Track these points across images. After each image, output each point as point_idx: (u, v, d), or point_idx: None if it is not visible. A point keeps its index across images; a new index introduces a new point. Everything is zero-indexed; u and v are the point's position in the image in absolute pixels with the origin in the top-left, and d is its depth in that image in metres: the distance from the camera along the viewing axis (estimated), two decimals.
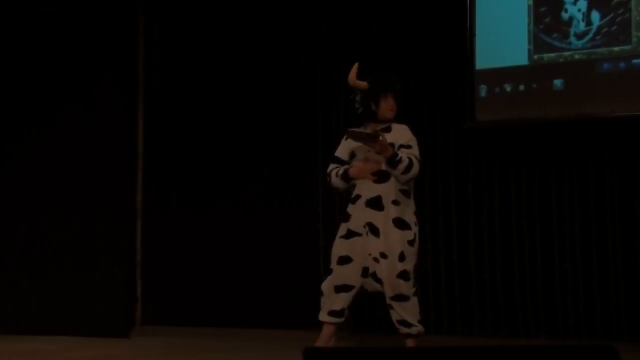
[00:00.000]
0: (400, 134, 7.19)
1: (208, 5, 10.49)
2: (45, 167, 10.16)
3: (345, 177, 7.25)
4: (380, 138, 6.99)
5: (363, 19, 9.77)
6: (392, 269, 7.02)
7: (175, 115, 10.58)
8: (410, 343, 7.14)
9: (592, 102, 8.86)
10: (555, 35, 8.98)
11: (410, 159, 7.09)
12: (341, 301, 7.15)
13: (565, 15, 8.94)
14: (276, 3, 10.18)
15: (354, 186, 7.24)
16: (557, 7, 8.96)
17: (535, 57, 9.07)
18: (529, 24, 9.07)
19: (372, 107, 7.23)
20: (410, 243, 7.10)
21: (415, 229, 7.18)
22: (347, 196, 7.40)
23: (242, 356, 8.25)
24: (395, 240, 7.04)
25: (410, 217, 7.17)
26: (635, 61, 8.69)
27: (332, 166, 7.39)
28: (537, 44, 9.05)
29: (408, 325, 7.10)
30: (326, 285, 7.20)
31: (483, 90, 9.27)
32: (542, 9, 9.02)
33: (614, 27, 8.74)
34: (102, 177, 9.93)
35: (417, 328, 7.13)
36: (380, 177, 7.12)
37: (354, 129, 7.15)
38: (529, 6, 9.07)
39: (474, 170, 9.38)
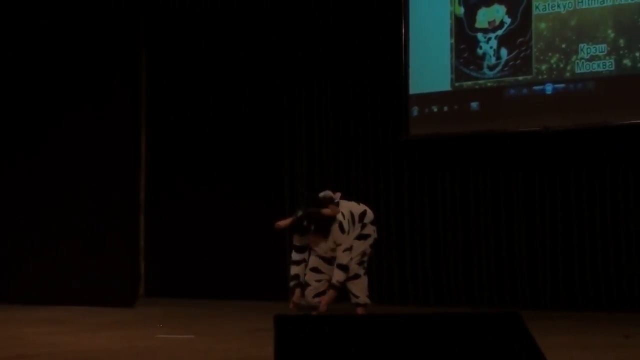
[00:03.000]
0: (338, 237, 7.39)
1: (200, 27, 10.50)
2: (66, 166, 10.10)
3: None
4: (324, 308, 7.36)
5: (324, 54, 9.82)
6: (353, 262, 7.30)
7: (171, 131, 10.60)
8: (359, 311, 7.22)
9: (501, 120, 8.93)
10: (472, 67, 9.05)
11: (334, 285, 7.39)
12: (321, 287, 7.40)
13: (480, 52, 9.01)
14: (251, 39, 10.21)
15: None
16: (474, 45, 9.03)
17: (456, 84, 9.13)
18: (451, 58, 9.14)
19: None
20: (371, 246, 7.53)
21: (374, 234, 7.58)
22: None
23: (225, 320, 8.24)
24: (359, 248, 7.41)
25: (368, 230, 7.50)
26: (535, 87, 8.77)
27: (295, 256, 7.68)
28: (457, 74, 9.12)
29: (357, 297, 7.23)
30: (308, 293, 7.57)
31: (415, 110, 9.32)
32: (462, 46, 9.10)
33: (519, 61, 8.82)
34: (114, 179, 9.88)
35: (364, 300, 7.24)
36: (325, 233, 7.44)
37: (302, 305, 7.53)
38: (451, 44, 9.13)
39: (409, 174, 9.44)
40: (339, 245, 7.32)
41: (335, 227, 7.34)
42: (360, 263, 7.32)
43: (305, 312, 7.44)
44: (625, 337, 6.64)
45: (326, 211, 7.43)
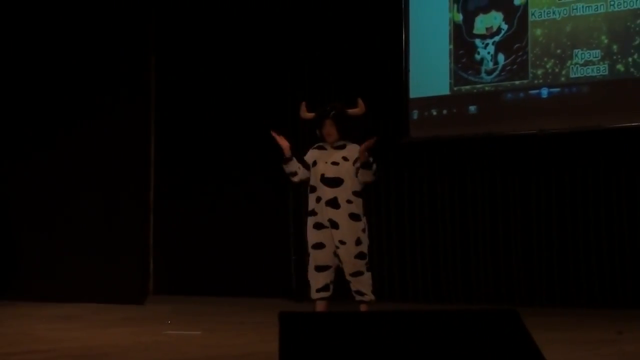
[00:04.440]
0: (353, 151, 7.01)
1: (207, 32, 10.50)
2: (78, 167, 10.10)
3: (283, 159, 7.16)
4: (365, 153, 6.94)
5: (327, 59, 9.82)
6: (350, 252, 6.95)
7: (179, 133, 10.61)
8: (363, 308, 7.11)
9: (498, 123, 8.93)
10: (470, 72, 9.05)
11: (374, 165, 6.98)
12: (322, 278, 6.99)
13: (477, 57, 9.01)
14: (256, 45, 10.21)
15: (315, 190, 7.16)
16: (472, 51, 9.03)
17: (455, 88, 9.13)
18: (450, 63, 9.13)
19: (317, 134, 7.13)
20: (363, 230, 7.02)
21: (364, 219, 7.13)
22: (311, 198, 7.26)
23: (231, 317, 8.23)
24: (351, 230, 6.95)
25: (360, 211, 7.04)
26: (531, 92, 8.77)
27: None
28: (456, 79, 9.12)
29: (362, 294, 7.06)
30: (309, 268, 7.09)
31: (415, 114, 9.32)
32: (460, 51, 9.09)
33: (515, 66, 8.82)
34: (124, 180, 9.89)
35: (369, 296, 7.05)
36: (336, 182, 7.05)
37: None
38: (450, 50, 9.13)
39: (409, 175, 9.44)
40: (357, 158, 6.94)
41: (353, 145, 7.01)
42: (359, 256, 7.05)
43: None
44: (618, 333, 6.63)
45: (353, 110, 7.09)
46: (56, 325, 7.72)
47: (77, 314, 8.60)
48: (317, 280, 7.05)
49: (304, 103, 7.27)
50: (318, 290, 7.05)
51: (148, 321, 8.00)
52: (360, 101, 7.14)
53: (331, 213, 6.96)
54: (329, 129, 7.05)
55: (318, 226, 7.03)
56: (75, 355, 6.01)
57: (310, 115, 7.18)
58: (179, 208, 10.52)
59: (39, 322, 7.94)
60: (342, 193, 6.99)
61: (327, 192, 7.00)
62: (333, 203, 6.97)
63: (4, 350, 6.11)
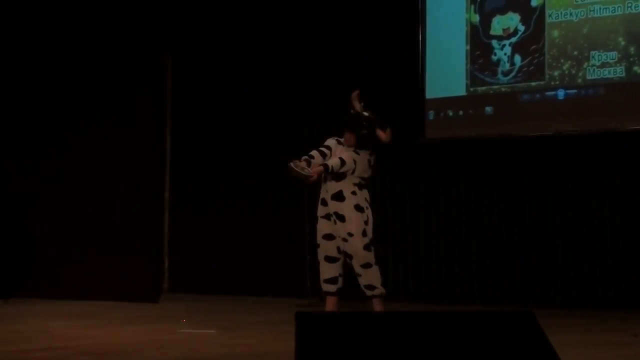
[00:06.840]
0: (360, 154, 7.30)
1: (223, 32, 10.50)
2: (95, 166, 10.13)
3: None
4: (312, 178, 7.16)
5: (344, 60, 9.81)
6: (359, 243, 7.06)
7: (194, 132, 10.62)
8: (375, 303, 7.14)
9: (514, 124, 8.91)
10: (486, 73, 9.02)
11: (326, 165, 7.16)
12: (331, 270, 7.13)
13: (494, 58, 8.99)
14: (272, 44, 10.21)
15: (326, 180, 7.28)
16: (488, 52, 9.01)
17: (472, 89, 9.11)
18: (466, 64, 9.11)
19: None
20: (366, 222, 7.16)
21: (367, 211, 7.23)
22: (323, 188, 7.39)
23: (246, 316, 8.23)
24: (358, 222, 7.10)
25: (364, 203, 7.22)
26: (547, 93, 8.75)
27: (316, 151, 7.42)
28: (472, 80, 9.10)
29: (373, 288, 7.12)
30: (319, 256, 7.26)
31: (431, 114, 9.31)
32: (477, 52, 9.07)
33: (532, 67, 8.79)
34: (140, 178, 9.90)
35: (380, 290, 7.14)
36: (339, 176, 7.18)
37: (294, 167, 7.21)
38: (466, 50, 9.11)
39: (425, 176, 9.42)
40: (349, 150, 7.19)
41: (367, 154, 7.25)
42: (367, 247, 7.10)
43: (297, 175, 7.26)
44: (633, 336, 6.61)
45: (382, 135, 7.30)
46: (71, 323, 7.73)
47: (92, 311, 8.61)
48: (325, 270, 7.13)
49: (357, 92, 7.46)
50: (326, 281, 7.12)
51: (163, 319, 8.01)
52: (389, 131, 7.31)
53: (336, 206, 7.10)
54: (349, 137, 7.27)
55: (328, 217, 7.15)
56: (91, 353, 6.02)
57: (359, 106, 7.36)
58: (194, 207, 10.54)
59: (55, 319, 7.96)
60: (346, 186, 7.11)
61: (333, 186, 7.21)
62: (338, 196, 7.09)
63: (20, 348, 6.14)
